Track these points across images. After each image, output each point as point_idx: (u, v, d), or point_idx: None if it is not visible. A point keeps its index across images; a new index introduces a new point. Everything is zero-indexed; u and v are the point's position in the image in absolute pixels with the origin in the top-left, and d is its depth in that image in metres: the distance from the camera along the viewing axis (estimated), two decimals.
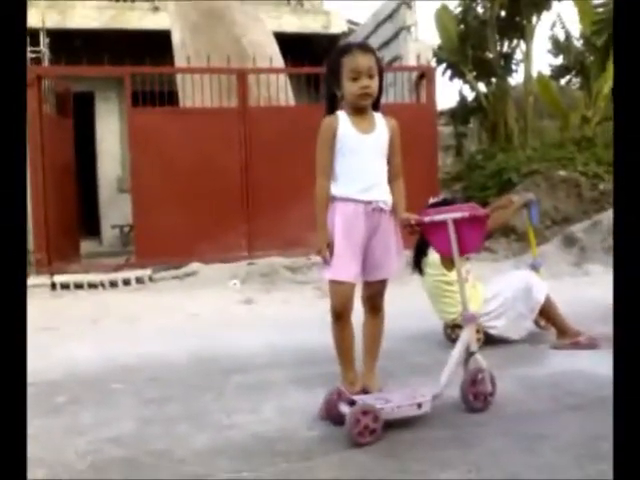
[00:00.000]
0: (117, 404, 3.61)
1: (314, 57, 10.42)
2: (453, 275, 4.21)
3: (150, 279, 7.89)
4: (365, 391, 3.19)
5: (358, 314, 3.33)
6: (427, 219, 3.22)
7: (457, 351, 3.18)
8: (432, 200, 4.32)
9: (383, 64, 3.38)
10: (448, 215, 3.18)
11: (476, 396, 3.20)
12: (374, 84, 3.14)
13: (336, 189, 3.19)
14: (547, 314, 4.41)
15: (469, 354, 3.23)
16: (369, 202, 3.17)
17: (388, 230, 3.25)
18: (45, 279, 7.69)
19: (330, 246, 3.15)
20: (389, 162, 3.27)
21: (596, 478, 2.44)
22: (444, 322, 4.55)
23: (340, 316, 3.22)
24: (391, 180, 3.27)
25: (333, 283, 3.20)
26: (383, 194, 3.23)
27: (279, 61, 10.12)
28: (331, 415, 3.07)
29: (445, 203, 4.10)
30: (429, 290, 4.54)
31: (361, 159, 3.18)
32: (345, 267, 3.16)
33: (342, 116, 3.19)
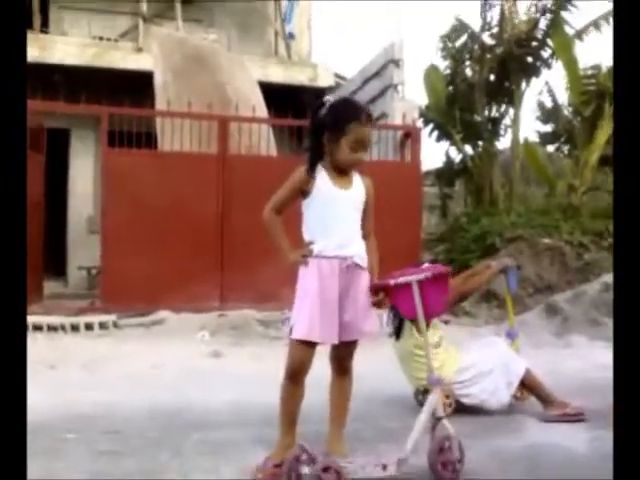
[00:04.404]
0: (68, 455, 3.43)
1: (299, 109, 10.24)
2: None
3: (114, 325, 7.60)
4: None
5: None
6: (392, 282, 3.14)
7: (423, 415, 3.08)
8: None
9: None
10: (412, 277, 3.11)
11: (444, 465, 3.07)
12: (365, 155, 3.14)
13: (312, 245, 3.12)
14: (530, 387, 4.32)
15: (436, 419, 3.11)
16: (344, 258, 3.08)
17: (362, 288, 3.15)
18: None
19: (305, 255, 3.07)
20: (362, 218, 3.22)
21: None
22: (415, 388, 4.45)
23: (296, 376, 3.12)
24: (363, 239, 3.22)
25: (298, 342, 3.08)
26: (359, 250, 3.14)
27: (262, 110, 9.95)
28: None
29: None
30: (401, 354, 4.44)
31: (338, 214, 3.12)
32: (317, 328, 3.04)
33: (320, 172, 3.12)
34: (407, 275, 3.13)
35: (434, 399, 3.12)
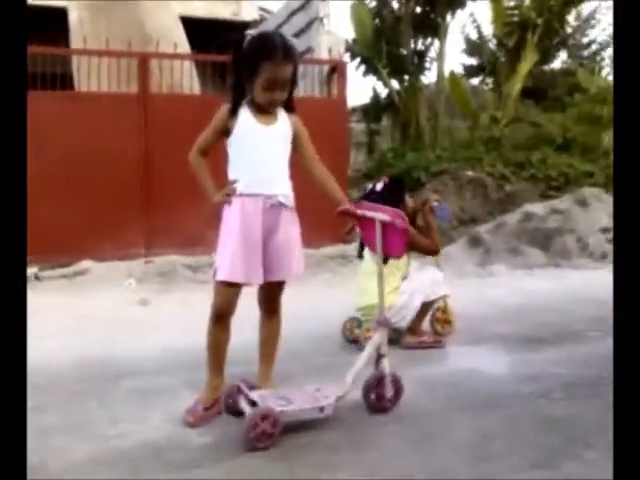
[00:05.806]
0: None
1: (222, 44, 9.97)
2: (397, 265, 4.37)
3: (36, 277, 7.28)
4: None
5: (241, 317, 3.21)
6: (360, 212, 3.17)
7: (367, 352, 3.18)
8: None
9: (298, 59, 3.17)
10: (377, 215, 3.13)
11: (379, 399, 3.22)
12: (285, 94, 3.06)
13: (235, 184, 3.08)
14: (421, 311, 4.46)
15: (379, 356, 3.22)
16: (269, 196, 3.05)
17: (288, 228, 3.13)
18: None
19: (229, 194, 3.05)
20: (301, 154, 3.22)
21: (486, 478, 2.50)
22: (362, 305, 4.49)
23: (222, 318, 3.14)
24: (311, 170, 3.21)
25: (222, 283, 3.07)
26: (284, 188, 3.12)
27: (185, 47, 9.70)
28: (228, 407, 3.08)
29: (373, 191, 4.32)
30: (367, 269, 4.41)
31: (261, 151, 3.08)
32: (240, 268, 3.03)
33: (243, 109, 3.07)
34: (373, 210, 3.16)
35: (380, 336, 3.19)
